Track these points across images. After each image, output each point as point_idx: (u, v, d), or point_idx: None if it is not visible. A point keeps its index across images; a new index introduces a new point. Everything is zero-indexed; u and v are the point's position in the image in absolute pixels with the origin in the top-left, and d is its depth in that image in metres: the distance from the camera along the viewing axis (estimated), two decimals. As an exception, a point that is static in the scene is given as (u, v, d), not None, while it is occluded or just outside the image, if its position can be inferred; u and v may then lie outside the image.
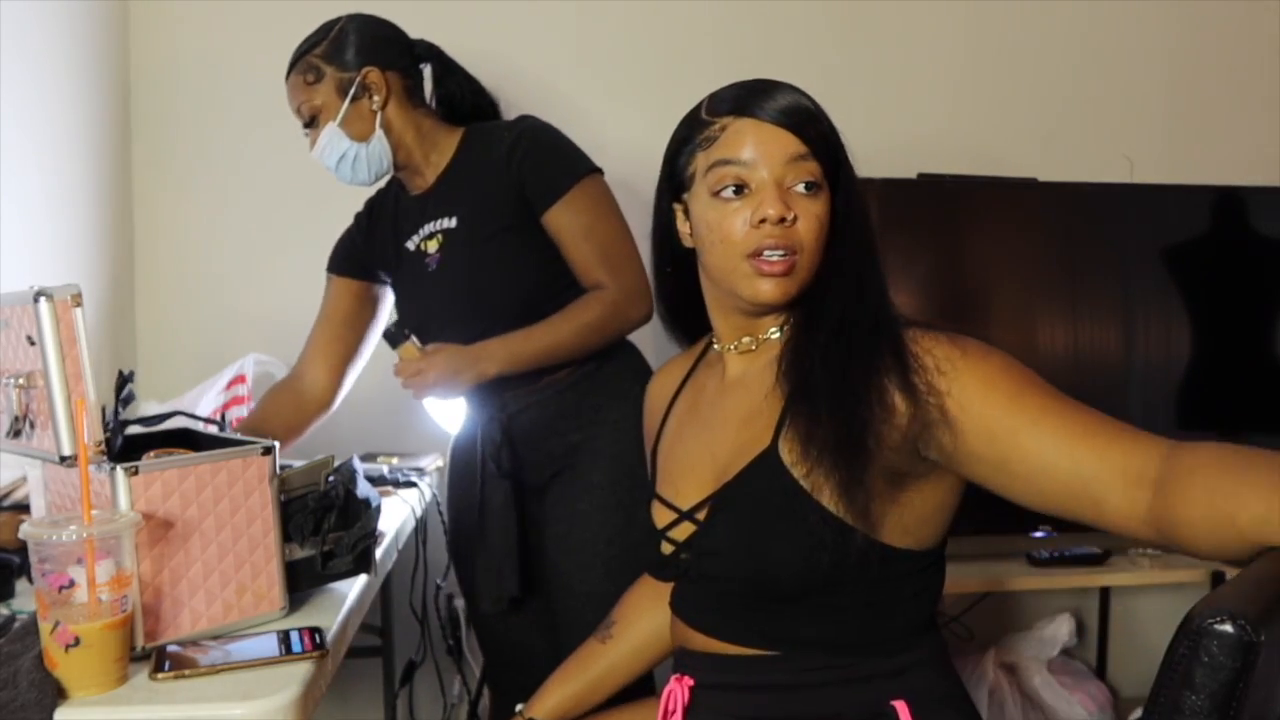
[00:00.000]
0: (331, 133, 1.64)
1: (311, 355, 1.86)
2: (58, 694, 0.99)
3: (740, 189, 1.04)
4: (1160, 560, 2.36)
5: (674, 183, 1.12)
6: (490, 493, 1.69)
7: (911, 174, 2.37)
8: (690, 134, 1.09)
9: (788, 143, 1.04)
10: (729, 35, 2.50)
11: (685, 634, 1.13)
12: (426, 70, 1.74)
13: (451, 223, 1.66)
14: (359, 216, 1.86)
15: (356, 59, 1.63)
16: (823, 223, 1.05)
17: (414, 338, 1.65)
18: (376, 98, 1.64)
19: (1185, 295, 2.44)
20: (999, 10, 2.59)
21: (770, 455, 1.04)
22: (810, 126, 1.06)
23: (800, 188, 1.04)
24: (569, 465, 1.64)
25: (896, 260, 2.35)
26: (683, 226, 1.13)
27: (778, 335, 1.10)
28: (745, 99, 1.06)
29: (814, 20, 2.53)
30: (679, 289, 1.19)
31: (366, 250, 1.82)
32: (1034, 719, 2.36)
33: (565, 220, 1.59)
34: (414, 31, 1.75)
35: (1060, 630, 2.46)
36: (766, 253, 1.03)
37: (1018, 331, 2.40)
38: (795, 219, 1.03)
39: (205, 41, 2.37)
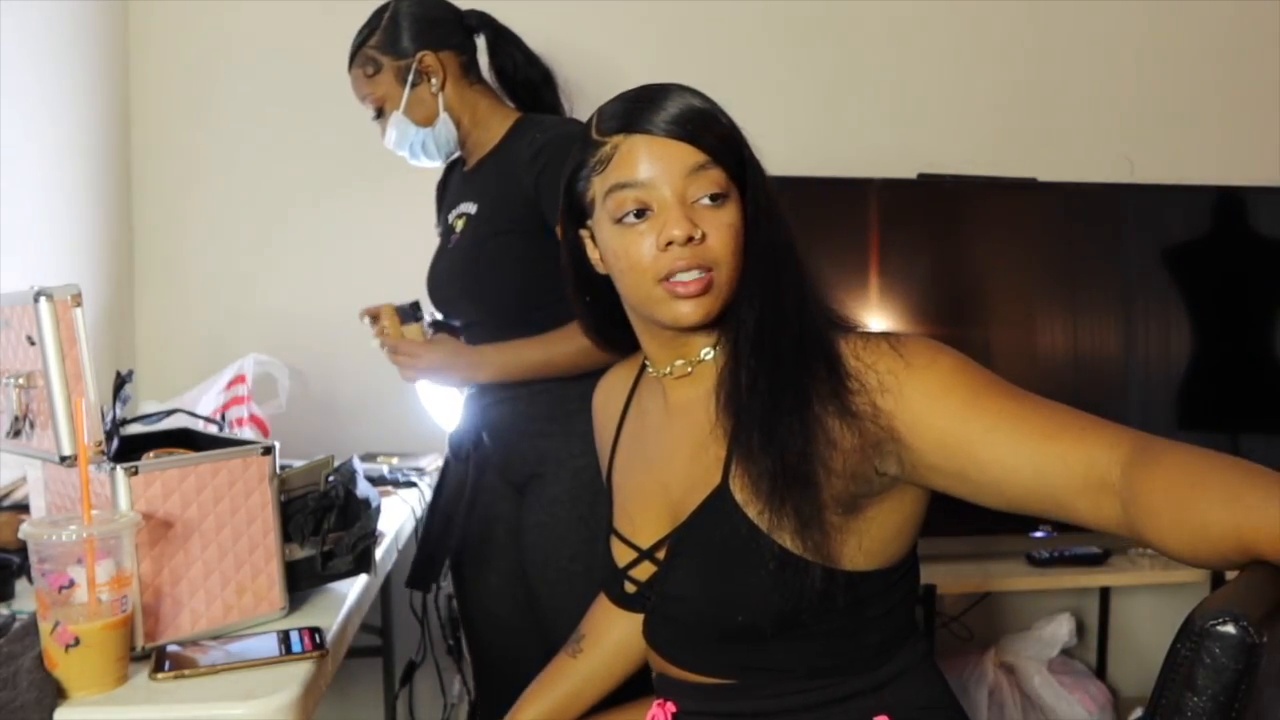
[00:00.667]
0: (398, 121, 1.67)
1: None
2: (58, 694, 0.99)
3: (642, 211, 0.99)
4: (1160, 560, 2.36)
5: (576, 210, 1.07)
6: (450, 476, 1.73)
7: (911, 174, 2.37)
8: (584, 157, 1.04)
9: (685, 154, 0.98)
10: (728, 35, 2.50)
11: (661, 664, 1.12)
12: (481, 41, 1.75)
13: (473, 209, 1.68)
14: (439, 184, 1.88)
15: (411, 45, 1.64)
16: (735, 231, 1.00)
17: (425, 321, 1.69)
18: (435, 81, 1.65)
19: (1185, 295, 2.44)
20: (998, 10, 2.59)
21: (723, 494, 1.00)
22: (706, 131, 1.00)
23: (705, 200, 0.99)
24: (538, 473, 1.63)
25: (896, 260, 2.35)
26: (593, 254, 1.08)
27: (711, 356, 1.06)
28: (633, 113, 1.01)
29: (814, 20, 2.53)
30: (604, 314, 1.14)
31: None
32: (1034, 719, 2.36)
33: None
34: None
35: (1060, 630, 2.46)
36: (679, 275, 0.98)
37: (1018, 332, 2.40)
38: (704, 236, 0.98)
39: (205, 41, 2.37)
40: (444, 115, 1.66)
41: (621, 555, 1.14)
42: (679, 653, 1.08)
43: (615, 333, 1.15)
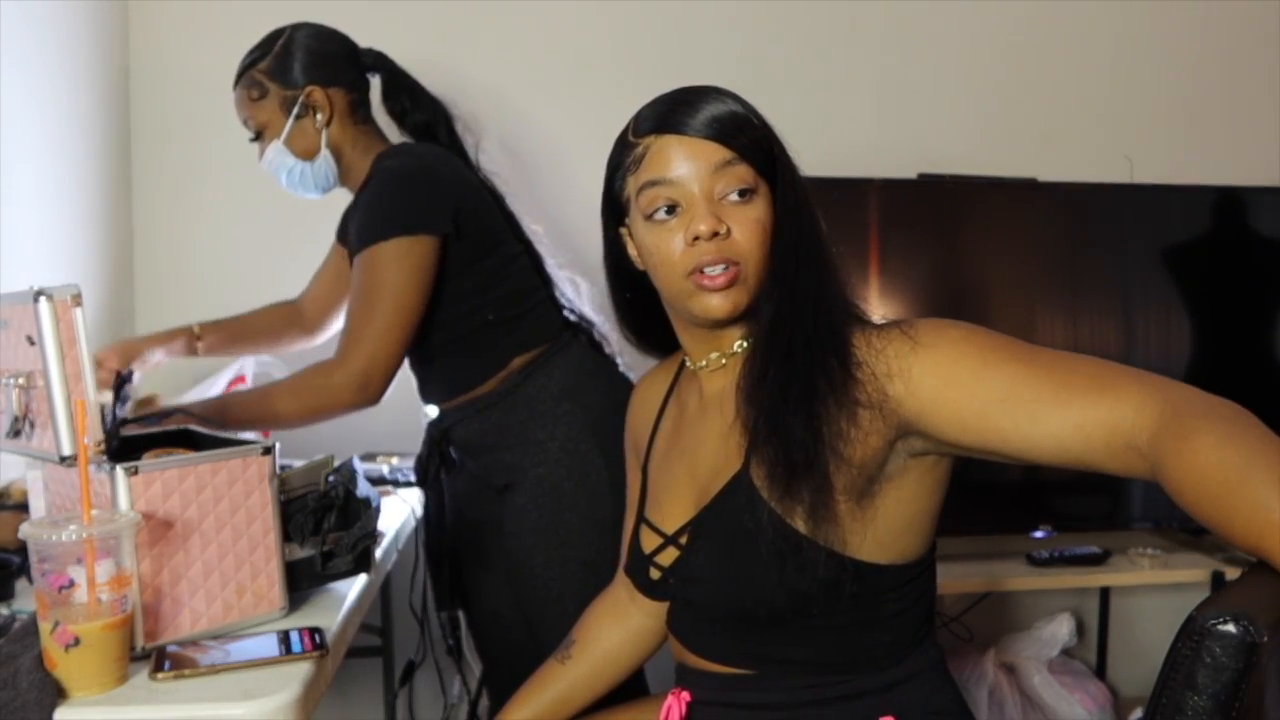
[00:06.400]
0: (277, 150, 1.65)
1: (315, 292, 1.95)
2: (58, 694, 0.99)
3: (672, 208, 1.02)
4: (1160, 560, 2.36)
5: (614, 209, 1.11)
6: (428, 504, 1.79)
7: (911, 174, 2.37)
8: (620, 158, 1.08)
9: (712, 152, 1.02)
10: (727, 36, 2.50)
11: (681, 652, 1.14)
12: (376, 79, 1.73)
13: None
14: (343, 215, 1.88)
15: (301, 76, 1.63)
16: (764, 227, 1.02)
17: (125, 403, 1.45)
18: (320, 116, 1.64)
19: (1185, 295, 2.44)
20: (999, 10, 2.59)
21: (743, 479, 1.03)
22: (738, 132, 1.03)
23: (733, 195, 1.02)
24: (510, 484, 1.65)
25: (896, 260, 2.35)
26: (631, 250, 1.12)
27: (742, 348, 1.08)
28: (666, 115, 1.04)
29: (813, 21, 2.53)
30: (644, 311, 1.17)
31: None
32: (1034, 719, 2.36)
33: (353, 276, 1.57)
34: (366, 37, 1.73)
35: (1060, 630, 2.46)
36: (706, 269, 1.01)
37: (1018, 332, 2.37)
38: (729, 231, 1.01)
39: (205, 41, 2.36)
40: (325, 152, 1.65)
41: (649, 543, 1.16)
42: (697, 640, 1.11)
43: (654, 330, 1.19)
